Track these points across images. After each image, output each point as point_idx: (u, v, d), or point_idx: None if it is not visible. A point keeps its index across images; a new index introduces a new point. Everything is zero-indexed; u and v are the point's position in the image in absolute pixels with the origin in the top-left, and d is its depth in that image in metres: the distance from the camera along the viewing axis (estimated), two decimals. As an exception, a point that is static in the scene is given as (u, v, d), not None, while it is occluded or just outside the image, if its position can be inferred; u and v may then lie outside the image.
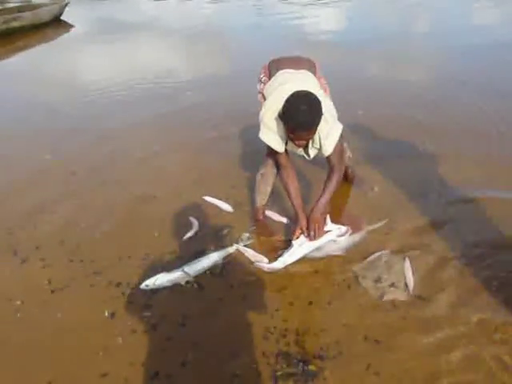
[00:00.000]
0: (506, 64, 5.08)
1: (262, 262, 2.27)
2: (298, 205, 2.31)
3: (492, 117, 3.75)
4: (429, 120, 3.79)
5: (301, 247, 2.27)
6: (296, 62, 2.38)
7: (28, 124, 4.24)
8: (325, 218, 2.37)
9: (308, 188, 2.81)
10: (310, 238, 2.28)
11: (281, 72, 2.32)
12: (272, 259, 2.28)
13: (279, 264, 2.23)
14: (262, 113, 2.18)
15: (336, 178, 2.27)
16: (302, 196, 2.37)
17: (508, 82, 4.58)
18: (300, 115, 1.92)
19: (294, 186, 2.30)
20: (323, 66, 2.51)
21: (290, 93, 2.00)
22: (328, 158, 2.23)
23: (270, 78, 2.36)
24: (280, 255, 2.28)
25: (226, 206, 2.77)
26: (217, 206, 2.78)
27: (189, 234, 2.54)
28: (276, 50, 2.82)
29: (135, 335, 1.97)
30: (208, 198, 2.85)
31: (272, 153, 2.32)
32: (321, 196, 2.29)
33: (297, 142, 2.06)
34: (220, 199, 2.82)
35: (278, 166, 2.37)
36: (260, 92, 2.41)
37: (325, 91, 2.40)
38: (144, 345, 1.92)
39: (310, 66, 2.40)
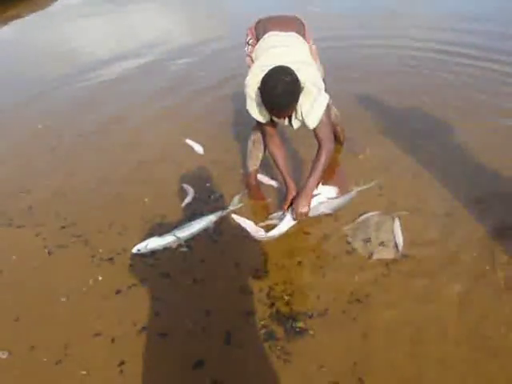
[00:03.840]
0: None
1: (260, 232, 2.25)
2: (285, 173, 2.27)
3: None
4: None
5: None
6: (284, 23, 2.27)
7: (20, 93, 4.20)
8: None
9: (298, 157, 2.80)
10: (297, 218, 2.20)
11: (269, 34, 2.23)
12: (263, 220, 2.31)
13: (275, 232, 2.20)
14: (247, 80, 2.11)
15: (324, 156, 2.13)
16: (294, 165, 2.32)
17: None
18: (274, 98, 1.87)
19: (280, 154, 2.26)
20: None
21: (276, 59, 1.94)
22: (314, 132, 2.13)
23: (257, 40, 2.28)
24: (271, 218, 2.31)
25: (198, 148, 3.04)
26: (194, 151, 3.01)
27: (186, 201, 2.55)
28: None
29: (124, 296, 2.02)
30: (188, 141, 3.12)
31: (258, 122, 2.27)
32: (308, 178, 2.15)
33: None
34: (198, 143, 3.07)
35: (264, 134, 2.34)
36: (248, 55, 2.34)
37: (314, 55, 2.31)
38: (131, 305, 1.96)
39: (299, 27, 2.30)
